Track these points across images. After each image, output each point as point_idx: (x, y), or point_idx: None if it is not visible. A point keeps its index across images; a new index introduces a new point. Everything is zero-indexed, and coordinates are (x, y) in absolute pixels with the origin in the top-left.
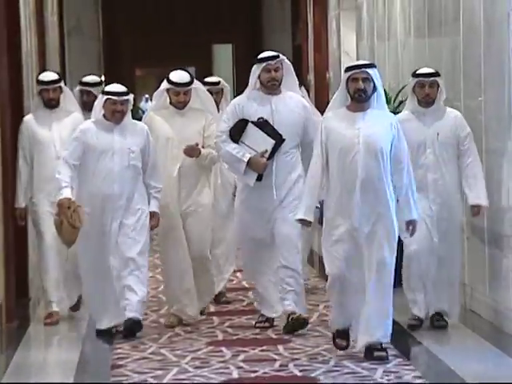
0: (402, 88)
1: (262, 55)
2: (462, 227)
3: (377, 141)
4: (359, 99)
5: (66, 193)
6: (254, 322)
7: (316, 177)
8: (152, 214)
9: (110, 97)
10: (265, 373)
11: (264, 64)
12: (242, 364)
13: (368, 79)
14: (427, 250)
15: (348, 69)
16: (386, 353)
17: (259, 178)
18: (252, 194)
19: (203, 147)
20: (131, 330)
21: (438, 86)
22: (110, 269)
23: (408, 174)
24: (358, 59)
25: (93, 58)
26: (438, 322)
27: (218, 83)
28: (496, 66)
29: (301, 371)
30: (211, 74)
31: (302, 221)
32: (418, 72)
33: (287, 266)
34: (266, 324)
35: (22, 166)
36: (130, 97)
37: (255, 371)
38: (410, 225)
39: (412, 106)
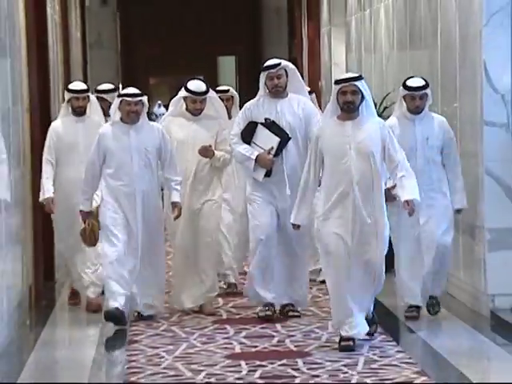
0: (386, 95)
1: (265, 64)
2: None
3: (367, 146)
4: (348, 110)
5: (86, 206)
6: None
7: (309, 185)
8: (174, 205)
9: (124, 98)
10: (264, 347)
11: (266, 72)
12: (243, 340)
13: (356, 91)
14: (417, 253)
15: (337, 82)
16: (373, 330)
17: (268, 174)
18: (263, 186)
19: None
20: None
21: (427, 95)
22: (136, 264)
23: (401, 167)
24: (347, 70)
25: (112, 69)
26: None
27: (227, 91)
28: (469, 77)
29: (296, 346)
30: (217, 83)
31: (293, 224)
32: (409, 84)
33: (293, 271)
34: (269, 312)
35: (47, 163)
36: (144, 98)
37: (255, 346)
38: (406, 203)
39: (400, 113)
